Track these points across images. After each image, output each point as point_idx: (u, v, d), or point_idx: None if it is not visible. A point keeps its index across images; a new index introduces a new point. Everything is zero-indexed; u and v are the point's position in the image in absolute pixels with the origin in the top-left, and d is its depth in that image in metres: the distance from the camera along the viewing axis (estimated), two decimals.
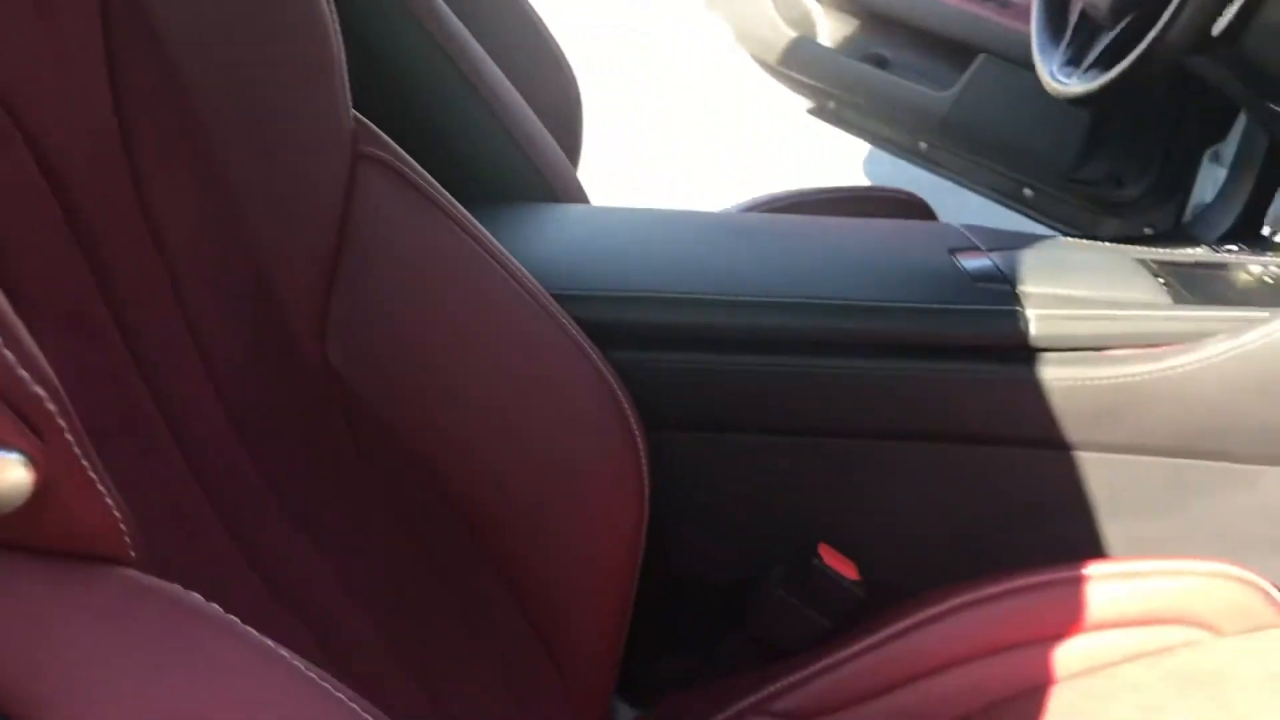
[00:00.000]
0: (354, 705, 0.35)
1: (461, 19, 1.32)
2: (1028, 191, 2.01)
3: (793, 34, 2.22)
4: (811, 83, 2.27)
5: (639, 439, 0.76)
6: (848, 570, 0.86)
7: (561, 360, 0.74)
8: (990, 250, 0.92)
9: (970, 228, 0.98)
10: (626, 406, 0.76)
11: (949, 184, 2.20)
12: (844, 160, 2.84)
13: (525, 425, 0.72)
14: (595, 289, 0.82)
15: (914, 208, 1.53)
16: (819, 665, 0.83)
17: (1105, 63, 1.22)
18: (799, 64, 2.24)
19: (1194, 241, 1.13)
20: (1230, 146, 1.71)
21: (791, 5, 2.23)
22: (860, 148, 2.74)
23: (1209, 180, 1.76)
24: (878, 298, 0.84)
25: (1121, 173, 1.87)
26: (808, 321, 0.83)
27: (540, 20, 1.33)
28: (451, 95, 0.95)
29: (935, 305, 0.84)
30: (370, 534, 0.68)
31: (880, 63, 2.14)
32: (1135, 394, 0.83)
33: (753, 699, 0.83)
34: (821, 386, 0.83)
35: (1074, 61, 1.28)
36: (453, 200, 0.71)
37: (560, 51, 1.35)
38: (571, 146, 1.40)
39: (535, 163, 1.00)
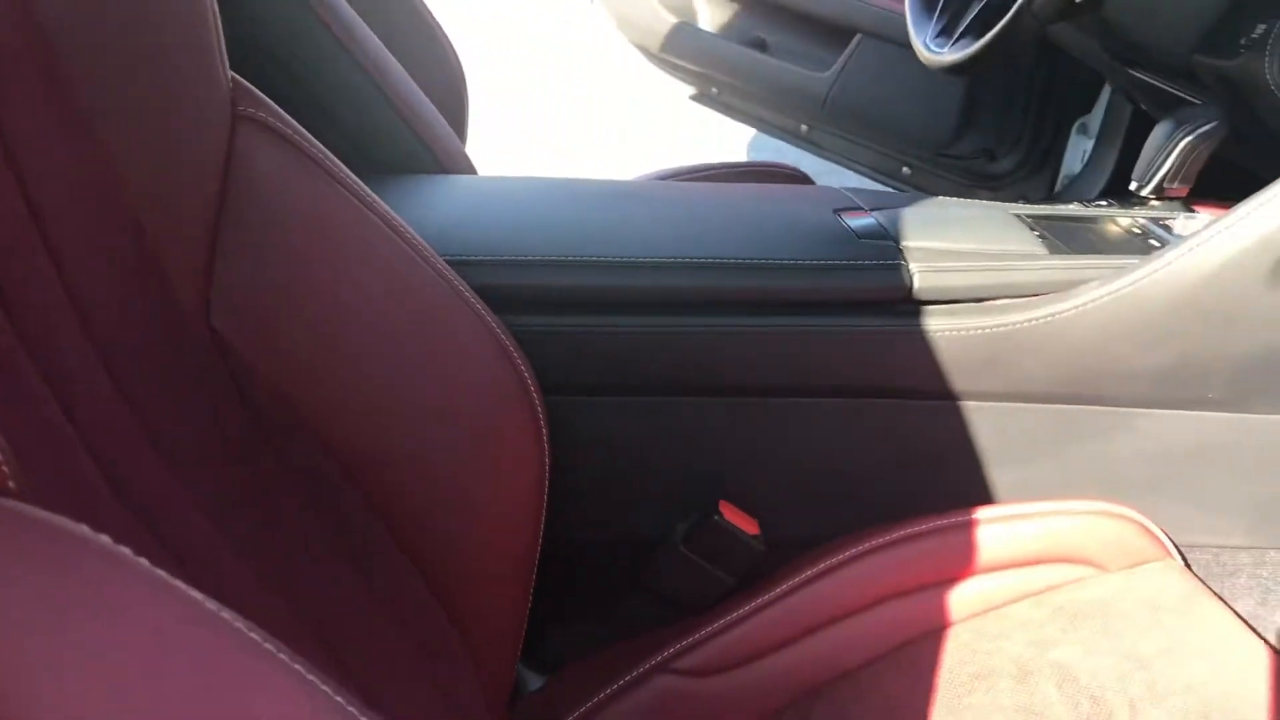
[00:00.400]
0: (253, 635, 0.35)
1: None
2: (906, 169, 2.06)
3: (674, 20, 2.23)
4: (694, 69, 2.29)
5: (537, 402, 0.76)
6: (748, 526, 0.87)
7: (457, 324, 0.73)
8: (874, 209, 0.94)
9: (855, 190, 1.00)
10: (524, 369, 0.75)
11: (832, 167, 2.25)
12: (729, 147, 2.87)
13: (421, 391, 0.71)
14: (487, 254, 0.82)
15: (795, 181, 1.55)
16: (722, 622, 0.84)
17: (976, 32, 1.26)
18: (681, 50, 2.25)
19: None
20: (1096, 118, 1.77)
21: None
22: (745, 134, 2.78)
23: (1077, 151, 1.83)
24: (765, 255, 0.85)
25: (994, 147, 1.93)
26: (697, 281, 0.83)
27: (424, 7, 1.33)
28: (336, 71, 0.94)
29: (821, 261, 0.85)
30: (267, 504, 0.66)
31: (760, 46, 2.16)
32: (1016, 342, 0.85)
33: (657, 659, 0.84)
34: (714, 345, 0.84)
35: (946, 32, 1.32)
36: (338, 163, 0.70)
37: (445, 36, 1.35)
38: (457, 128, 1.39)
39: (423, 137, 0.99)
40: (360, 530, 0.70)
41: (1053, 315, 0.85)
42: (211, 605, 0.34)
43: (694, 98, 2.36)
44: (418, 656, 0.72)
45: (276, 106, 0.67)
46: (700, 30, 2.21)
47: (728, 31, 2.22)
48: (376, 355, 0.69)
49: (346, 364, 0.68)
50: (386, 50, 0.99)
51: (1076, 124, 1.81)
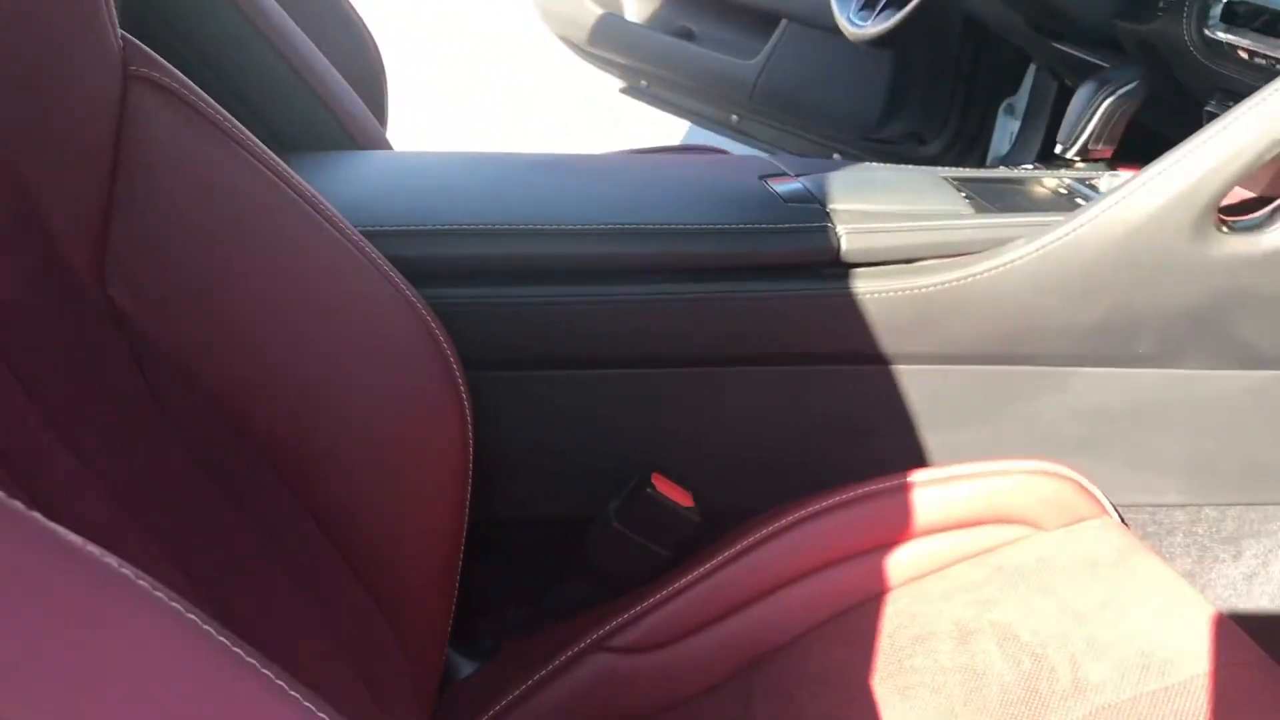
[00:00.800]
0: (175, 605, 0.32)
1: None
2: (836, 155, 2.06)
3: (600, 11, 2.21)
4: (622, 61, 2.27)
5: (459, 376, 0.74)
6: (682, 498, 0.85)
7: (371, 297, 0.70)
8: (800, 175, 0.93)
9: (781, 158, 0.99)
10: (444, 342, 0.73)
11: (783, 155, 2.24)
12: (666, 141, 2.85)
13: (333, 366, 0.68)
14: (403, 224, 0.79)
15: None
16: (657, 597, 0.82)
17: (898, 3, 1.26)
18: (608, 43, 2.24)
19: None
20: (1022, 98, 1.78)
21: None
22: (677, 129, 2.77)
23: (1005, 132, 1.84)
24: (691, 221, 0.83)
25: (922, 130, 1.93)
26: (622, 248, 0.81)
27: None
28: (247, 49, 0.92)
29: (747, 225, 0.83)
30: (170, 484, 0.63)
31: (688, 36, 2.15)
32: (944, 302, 0.84)
33: (592, 637, 0.82)
34: (641, 314, 0.82)
35: (869, 5, 1.32)
36: (244, 130, 0.67)
37: (363, 24, 1.33)
38: (376, 116, 1.37)
39: (339, 116, 0.96)
40: (277, 510, 0.67)
41: (980, 274, 0.84)
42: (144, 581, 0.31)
43: (624, 91, 2.34)
44: (341, 643, 0.69)
45: (175, 70, 0.64)
46: (627, 22, 2.20)
47: (654, 22, 2.21)
48: (283, 328, 0.66)
49: (252, 337, 0.65)
50: (301, 32, 0.96)
51: (1003, 105, 1.82)
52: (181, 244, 0.63)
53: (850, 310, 0.84)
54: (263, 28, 0.91)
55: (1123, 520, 0.94)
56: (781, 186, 0.90)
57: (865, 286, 0.84)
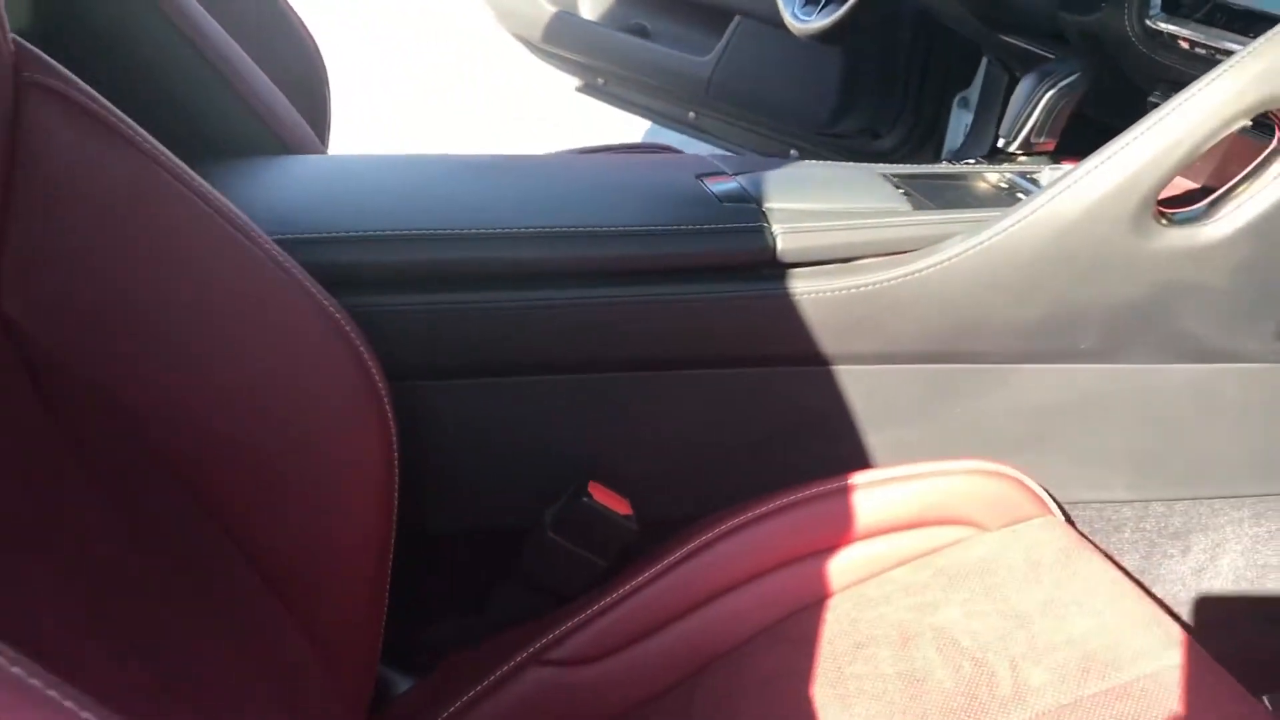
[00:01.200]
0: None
1: None
2: (794, 152, 2.05)
3: (554, 9, 2.20)
4: (577, 59, 2.26)
5: (381, 387, 0.72)
6: (619, 506, 0.83)
7: (285, 307, 0.68)
8: (738, 174, 0.91)
9: (721, 157, 0.97)
10: (364, 353, 0.71)
11: (722, 154, 2.23)
12: (624, 138, 2.82)
13: (245, 380, 0.66)
14: (323, 231, 0.77)
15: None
16: (595, 608, 0.80)
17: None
18: (563, 40, 2.22)
19: None
20: (975, 91, 1.78)
21: None
22: (641, 126, 2.75)
23: (960, 125, 1.83)
24: (623, 223, 0.81)
25: (876, 125, 1.93)
26: (551, 252, 0.80)
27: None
28: (171, 53, 0.89)
29: (681, 227, 0.82)
30: (68, 506, 0.61)
31: (642, 33, 2.14)
32: (883, 301, 0.83)
33: (530, 649, 0.80)
34: (571, 319, 0.80)
35: (813, 0, 1.30)
36: (149, 138, 0.65)
37: (303, 27, 1.30)
38: (318, 121, 1.34)
39: (265, 120, 0.94)
40: (186, 529, 0.65)
41: (918, 272, 0.83)
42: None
43: (580, 89, 2.33)
44: (259, 667, 0.67)
45: (73, 76, 0.62)
46: (581, 19, 2.18)
47: (608, 19, 2.19)
48: (191, 343, 0.64)
49: (157, 353, 0.63)
50: (226, 35, 0.94)
51: (957, 98, 1.82)
52: (81, 257, 0.60)
53: (788, 311, 0.83)
54: (185, 29, 0.89)
55: (1069, 518, 0.93)
56: (718, 186, 0.88)
57: (803, 287, 0.82)
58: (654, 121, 2.42)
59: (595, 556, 0.84)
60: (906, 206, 0.87)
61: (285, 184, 0.85)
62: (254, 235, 0.67)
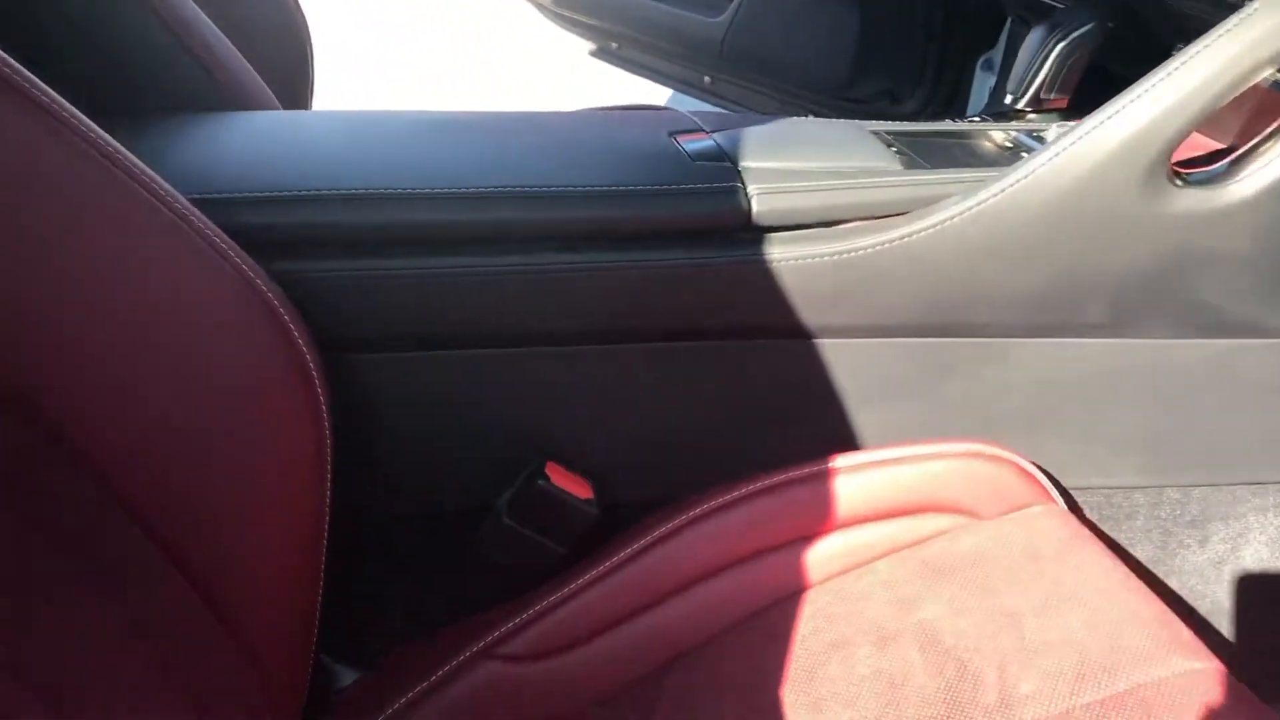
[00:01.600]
0: None
1: None
2: (810, 115, 1.97)
3: None
4: (589, 21, 2.19)
5: (310, 360, 0.66)
6: (579, 489, 0.77)
7: (198, 272, 0.62)
8: (716, 131, 0.84)
9: (700, 113, 0.90)
10: (290, 322, 0.65)
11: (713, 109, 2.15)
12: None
13: (155, 352, 0.60)
14: (249, 190, 0.71)
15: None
16: (551, 599, 0.75)
17: None
18: (574, 3, 2.15)
19: None
20: (999, 52, 1.69)
21: None
22: (652, 94, 2.68)
23: (984, 88, 1.75)
24: (582, 183, 0.75)
25: (896, 88, 1.85)
26: (505, 213, 0.73)
27: None
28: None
29: (647, 187, 0.75)
30: None
31: None
32: (869, 268, 0.76)
33: (482, 643, 0.74)
34: (527, 287, 0.74)
35: None
36: (47, 90, 0.59)
37: None
38: (296, 72, 1.29)
39: (212, 72, 0.88)
40: (84, 520, 0.60)
41: (908, 236, 0.76)
42: None
43: (594, 54, 2.26)
44: (172, 668, 0.61)
45: None
46: None
47: None
48: (90, 313, 0.58)
49: (54, 325, 0.57)
50: None
51: (981, 60, 1.74)
52: None
53: (764, 279, 0.76)
54: None
55: (1074, 505, 0.86)
56: (692, 144, 0.81)
57: (780, 253, 0.76)
58: (669, 86, 2.35)
59: (553, 543, 0.78)
60: (897, 166, 0.80)
61: (212, 141, 0.78)
62: (163, 196, 0.61)
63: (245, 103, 0.90)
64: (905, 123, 0.90)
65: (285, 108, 1.26)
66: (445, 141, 0.81)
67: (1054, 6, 1.06)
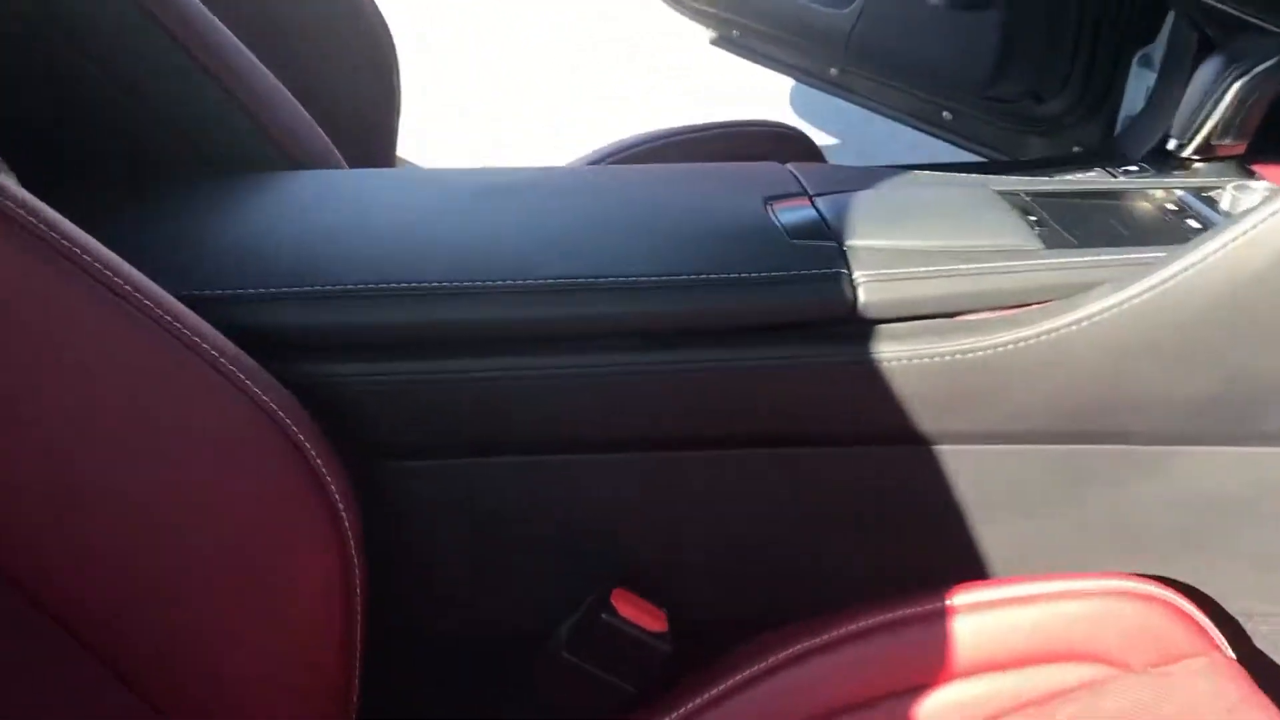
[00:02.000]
0: None
1: None
2: (946, 114, 1.84)
3: None
4: (711, 10, 2.10)
5: (327, 474, 0.57)
6: (651, 620, 0.67)
7: (181, 386, 0.54)
8: (818, 194, 0.72)
9: (803, 167, 0.78)
10: (301, 434, 0.56)
11: (863, 119, 2.03)
12: (764, 94, 2.62)
13: (134, 474, 0.52)
14: (265, 287, 0.62)
15: (792, 143, 1.33)
16: None
17: None
18: None
19: (1126, 160, 0.93)
20: (1160, 49, 1.52)
21: None
22: (775, 85, 2.55)
23: (1141, 87, 1.58)
24: (663, 271, 0.64)
25: (1040, 87, 1.69)
26: (571, 309, 0.63)
27: None
28: (145, 48, 0.76)
29: (738, 275, 0.64)
30: None
31: None
32: (999, 368, 0.64)
33: None
34: (593, 388, 0.64)
35: None
36: (16, 191, 0.51)
37: (375, 10, 1.18)
38: (384, 102, 1.22)
39: (265, 125, 0.80)
40: (66, 671, 0.52)
41: (1050, 332, 0.63)
42: None
43: (714, 42, 2.15)
44: None
45: None
46: None
47: None
48: (67, 434, 0.50)
49: (25, 450, 0.49)
50: (223, 27, 0.80)
51: (1137, 56, 1.56)
52: None
53: (870, 379, 0.65)
54: (161, 16, 0.75)
55: (1244, 639, 0.73)
56: (789, 214, 0.70)
57: (891, 350, 0.64)
58: (794, 78, 2.23)
59: (618, 681, 0.68)
60: (1035, 242, 0.67)
61: (245, 217, 0.70)
62: (146, 301, 0.53)
63: (301, 158, 0.81)
64: (1042, 175, 0.77)
65: (361, 152, 1.20)
66: (511, 213, 0.71)
67: (1237, 22, 0.91)
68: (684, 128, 1.34)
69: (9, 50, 0.74)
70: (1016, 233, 0.68)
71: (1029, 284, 0.65)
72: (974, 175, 0.78)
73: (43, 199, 0.51)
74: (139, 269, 0.54)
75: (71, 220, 0.52)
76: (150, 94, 0.77)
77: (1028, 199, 0.73)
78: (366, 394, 0.63)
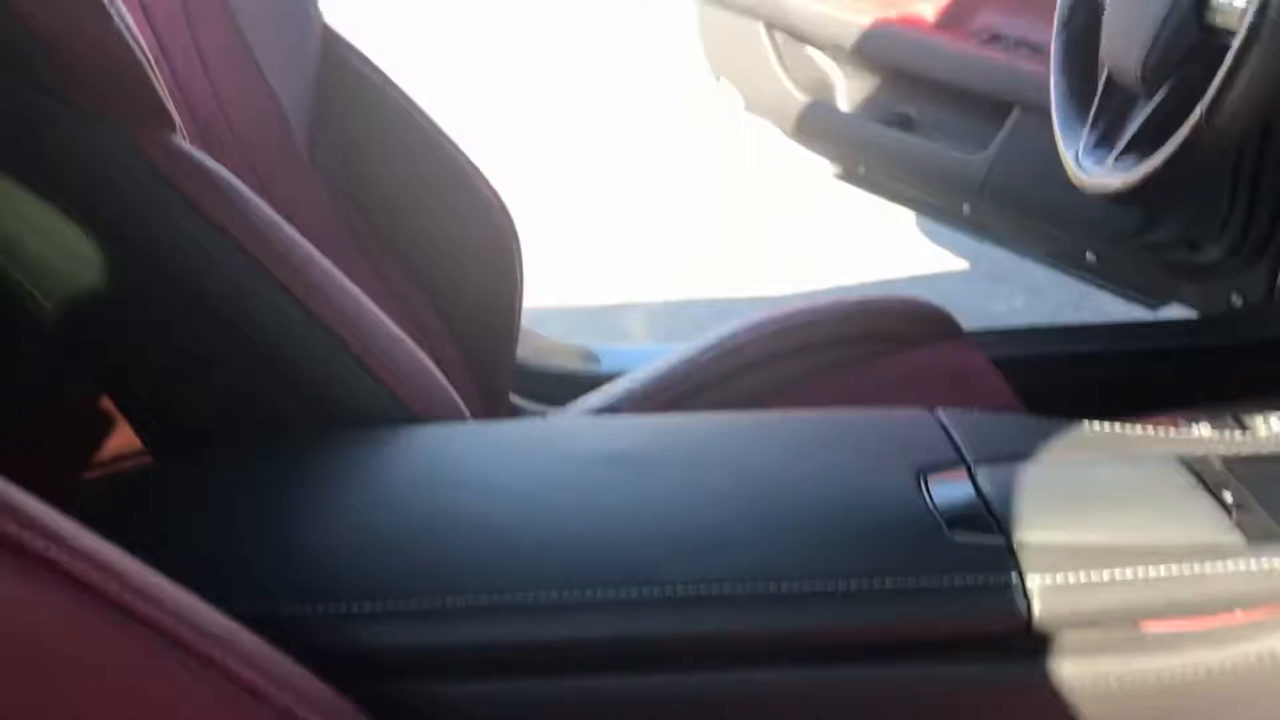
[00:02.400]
0: None
1: (361, 167, 1.15)
2: (1090, 256, 1.74)
3: (806, 100, 1.98)
4: (835, 149, 2.05)
5: None
6: None
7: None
8: (979, 462, 0.65)
9: (955, 416, 0.71)
10: None
11: (1004, 262, 1.95)
12: (898, 217, 2.52)
13: None
14: (350, 599, 0.57)
15: (932, 324, 1.24)
16: None
17: (1144, 145, 0.95)
18: (818, 131, 2.01)
19: None
20: None
21: (805, 67, 2.00)
22: (902, 219, 2.49)
23: None
24: (813, 575, 0.57)
25: (1195, 232, 1.59)
26: (696, 624, 0.57)
27: (467, 160, 1.16)
28: (262, 307, 0.74)
29: (894, 585, 0.57)
30: None
31: (905, 123, 1.88)
32: (1196, 690, 0.56)
33: None
34: (729, 709, 0.58)
35: (1105, 142, 1.01)
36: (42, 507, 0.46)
37: (492, 192, 1.17)
38: (505, 284, 1.20)
39: (383, 379, 0.76)
40: None
41: (1255, 650, 0.55)
42: None
43: (839, 176, 2.10)
44: None
45: None
46: (837, 111, 1.95)
47: (869, 108, 1.95)
48: None
49: None
50: (339, 273, 0.78)
51: None
52: None
53: (1049, 702, 0.57)
54: (270, 265, 0.73)
55: None
56: (945, 491, 0.63)
57: (1074, 670, 0.56)
58: (924, 214, 2.16)
59: None
60: (1233, 534, 0.59)
61: (348, 504, 0.65)
62: (187, 629, 0.47)
63: (424, 407, 0.77)
64: (1237, 434, 0.68)
65: (482, 344, 1.17)
66: (636, 491, 0.65)
67: None
68: (805, 308, 1.24)
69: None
70: (1213, 521, 0.60)
71: (1225, 590, 0.57)
72: (1145, 434, 0.69)
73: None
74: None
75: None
76: (266, 350, 0.74)
77: (1221, 469, 0.64)
78: (474, 715, 0.58)
